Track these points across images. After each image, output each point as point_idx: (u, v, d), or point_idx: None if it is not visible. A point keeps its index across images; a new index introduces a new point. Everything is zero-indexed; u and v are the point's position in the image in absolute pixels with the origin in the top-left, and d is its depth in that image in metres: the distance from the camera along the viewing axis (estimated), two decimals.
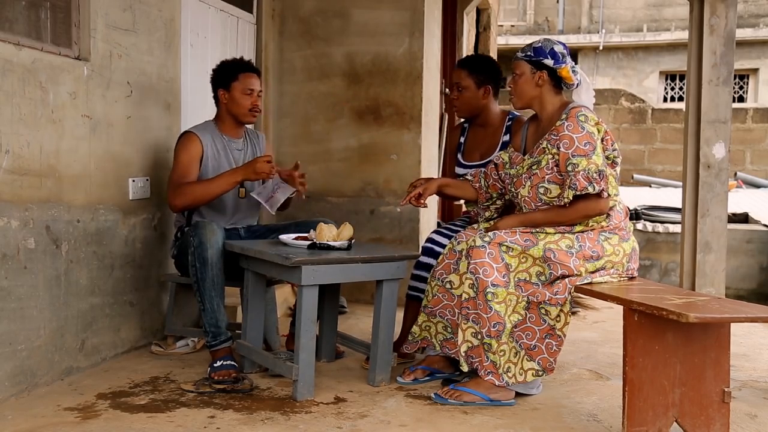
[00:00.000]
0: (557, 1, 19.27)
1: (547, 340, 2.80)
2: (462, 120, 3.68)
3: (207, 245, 3.04)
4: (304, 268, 2.78)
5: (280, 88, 4.95)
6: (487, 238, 2.78)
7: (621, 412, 2.48)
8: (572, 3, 19.15)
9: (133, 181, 3.40)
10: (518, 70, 2.97)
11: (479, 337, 2.78)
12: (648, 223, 7.66)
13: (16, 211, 2.73)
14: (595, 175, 2.76)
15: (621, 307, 2.51)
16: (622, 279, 2.87)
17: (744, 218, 7.98)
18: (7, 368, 2.72)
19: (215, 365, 3.02)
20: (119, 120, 3.29)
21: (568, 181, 2.79)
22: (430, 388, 3.01)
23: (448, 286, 2.98)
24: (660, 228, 7.57)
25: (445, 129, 6.09)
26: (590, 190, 2.76)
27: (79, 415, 2.61)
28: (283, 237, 3.14)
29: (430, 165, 4.99)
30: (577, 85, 3.00)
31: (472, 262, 2.77)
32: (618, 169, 2.95)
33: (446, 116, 6.35)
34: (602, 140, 2.86)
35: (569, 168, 2.78)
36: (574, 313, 4.74)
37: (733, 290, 6.57)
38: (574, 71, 2.97)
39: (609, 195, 2.83)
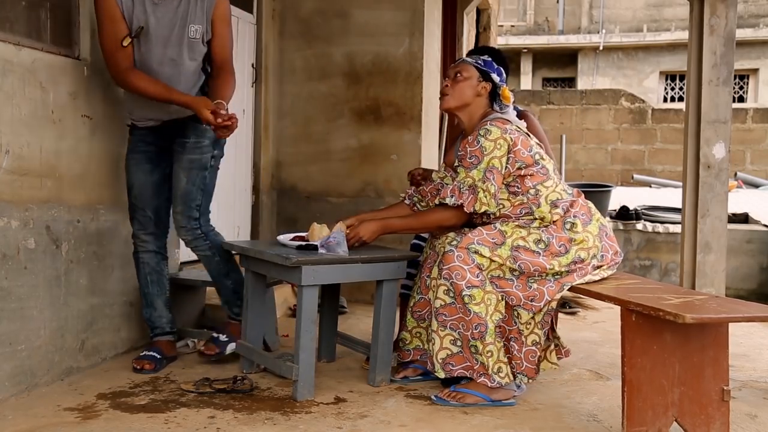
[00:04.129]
0: (557, 1, 19.29)
1: (511, 343, 2.82)
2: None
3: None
4: (304, 268, 2.78)
5: (280, 89, 4.96)
6: (454, 242, 2.79)
7: (621, 412, 2.48)
8: (572, 3, 19.16)
9: None
10: (466, 72, 3.02)
11: (459, 343, 2.80)
12: (648, 223, 7.65)
13: (16, 211, 2.74)
14: (465, 188, 2.86)
15: (619, 308, 2.51)
16: (611, 267, 2.88)
17: (744, 218, 7.97)
18: (7, 368, 2.72)
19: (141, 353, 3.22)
20: (119, 120, 3.29)
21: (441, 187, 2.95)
22: (430, 388, 3.01)
23: (431, 285, 2.98)
24: (660, 228, 7.57)
25: (445, 129, 6.09)
26: (448, 201, 2.89)
27: (79, 415, 2.61)
28: (281, 237, 3.14)
29: (430, 165, 5.00)
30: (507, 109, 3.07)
31: (444, 267, 2.78)
32: (549, 165, 2.96)
33: (446, 116, 6.35)
34: (510, 152, 2.87)
35: (451, 175, 2.97)
36: (573, 314, 4.75)
37: (733, 290, 6.57)
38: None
39: (475, 212, 2.87)
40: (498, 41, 10.64)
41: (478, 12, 8.60)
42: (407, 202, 3.26)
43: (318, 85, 4.89)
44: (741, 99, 17.40)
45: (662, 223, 7.67)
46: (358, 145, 4.83)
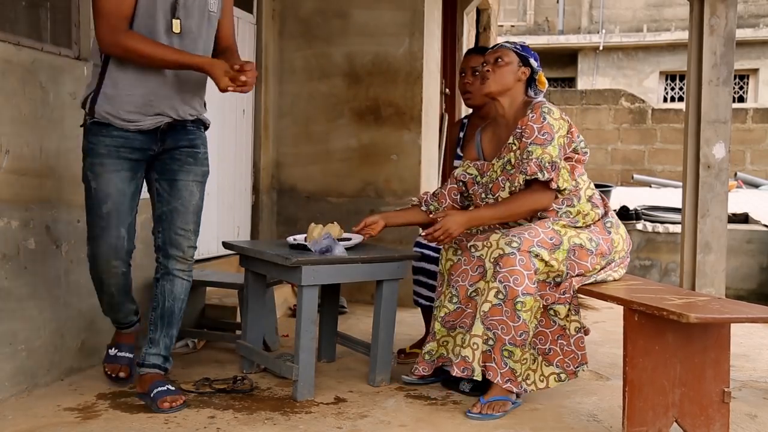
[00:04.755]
0: (557, 1, 19.28)
1: (559, 341, 2.76)
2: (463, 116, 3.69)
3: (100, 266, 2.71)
4: (304, 268, 2.78)
5: (280, 88, 4.95)
6: (515, 245, 2.67)
7: (621, 412, 2.48)
8: (572, 3, 19.15)
9: None
10: (506, 57, 2.94)
11: (491, 343, 2.69)
12: (648, 223, 7.66)
13: (16, 211, 2.73)
14: (546, 164, 2.76)
15: (621, 308, 2.51)
16: (620, 269, 2.87)
17: (744, 218, 7.98)
18: (7, 368, 2.72)
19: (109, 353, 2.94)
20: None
21: (520, 167, 2.80)
22: (430, 388, 3.01)
23: (473, 294, 2.85)
24: (660, 228, 7.57)
25: (445, 128, 6.09)
26: (539, 176, 2.76)
27: (79, 415, 2.61)
28: (290, 238, 3.15)
29: (430, 165, 5.00)
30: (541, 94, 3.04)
31: (502, 270, 2.67)
32: (586, 158, 2.94)
33: (446, 116, 6.35)
34: (568, 132, 2.85)
35: (524, 156, 2.80)
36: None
37: (733, 290, 6.57)
38: None
39: (559, 189, 2.81)
40: (498, 41, 10.63)
41: (478, 12, 8.60)
42: (423, 208, 3.17)
43: (318, 85, 4.89)
44: (741, 99, 17.40)
45: (662, 223, 7.68)
46: (358, 145, 4.82)
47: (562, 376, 2.76)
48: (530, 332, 2.71)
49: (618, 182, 13.40)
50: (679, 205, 6.16)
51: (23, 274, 2.77)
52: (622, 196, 9.32)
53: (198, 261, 4.17)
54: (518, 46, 2.98)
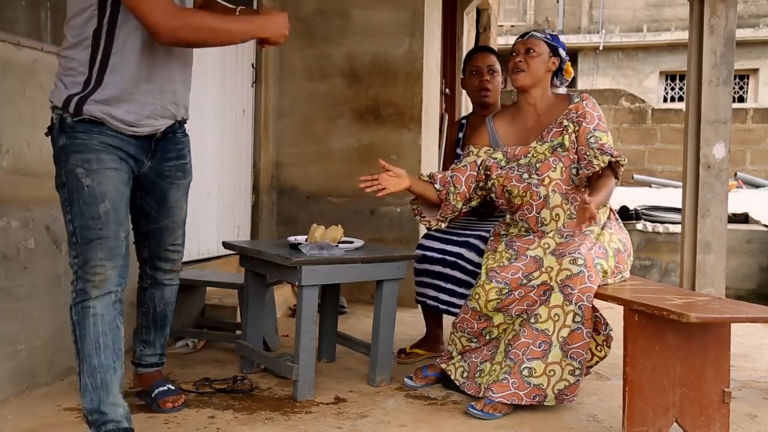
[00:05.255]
0: (557, 1, 19.28)
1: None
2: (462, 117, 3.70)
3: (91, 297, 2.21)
4: (304, 268, 2.78)
5: (280, 88, 4.95)
6: (581, 262, 2.60)
7: (621, 412, 2.48)
8: (572, 3, 19.15)
9: None
10: (537, 48, 2.94)
11: (579, 373, 2.63)
12: (648, 223, 7.65)
13: (16, 211, 2.73)
14: (612, 149, 2.83)
15: (621, 308, 2.51)
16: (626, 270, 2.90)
17: (744, 218, 7.98)
18: (7, 368, 2.72)
19: None
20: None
21: (592, 152, 2.81)
22: (430, 388, 3.01)
23: (533, 320, 2.68)
24: (660, 228, 7.57)
25: (445, 128, 6.09)
26: (621, 160, 2.82)
27: (79, 415, 2.61)
28: (290, 239, 3.15)
29: (430, 165, 5.00)
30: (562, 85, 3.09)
31: (574, 291, 2.60)
32: None
33: (446, 116, 6.35)
34: None
35: (591, 140, 2.83)
36: None
37: (733, 290, 6.57)
38: None
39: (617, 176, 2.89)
40: (498, 41, 10.64)
41: (478, 12, 8.60)
42: (438, 187, 3.08)
43: (318, 85, 4.89)
44: (741, 99, 17.40)
45: (662, 223, 7.67)
46: (358, 145, 4.82)
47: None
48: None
49: (618, 182, 13.40)
50: (679, 205, 6.15)
51: (23, 274, 2.77)
52: (622, 196, 9.30)
53: (198, 261, 4.19)
54: (548, 36, 2.99)
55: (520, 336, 2.69)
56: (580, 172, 2.86)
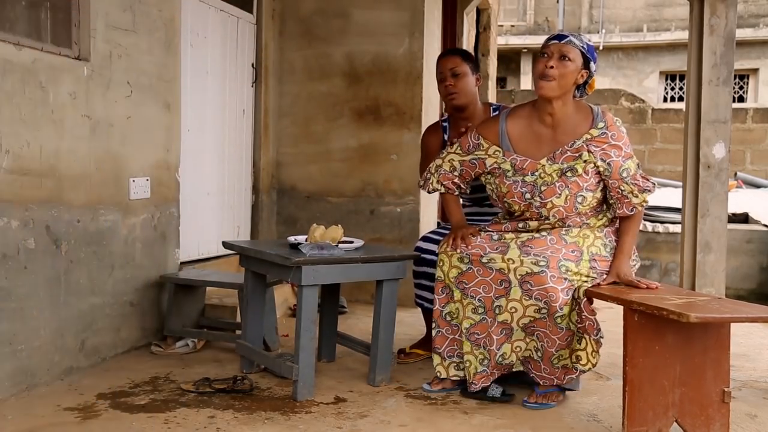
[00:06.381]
0: (557, 1, 19.27)
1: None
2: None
3: None
4: (305, 268, 2.78)
5: (280, 88, 4.95)
6: (542, 263, 2.66)
7: (621, 412, 2.48)
8: (572, 3, 19.14)
9: (133, 181, 3.40)
10: (572, 56, 2.71)
11: (540, 354, 2.77)
12: (648, 223, 7.66)
13: (16, 211, 2.74)
14: (641, 172, 2.79)
15: (621, 307, 2.51)
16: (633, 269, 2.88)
17: (744, 218, 7.98)
18: (7, 368, 2.72)
19: None
20: (119, 120, 3.29)
21: (628, 187, 2.74)
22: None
23: (497, 311, 2.77)
24: (660, 228, 7.57)
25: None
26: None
27: (79, 415, 2.61)
28: (290, 239, 3.15)
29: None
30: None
31: (535, 288, 2.68)
32: None
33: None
34: None
35: (623, 174, 2.73)
36: None
37: (733, 290, 6.57)
38: None
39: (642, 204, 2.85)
40: (498, 41, 10.64)
41: (478, 12, 8.61)
42: (457, 194, 3.07)
43: (318, 85, 4.89)
44: (741, 99, 17.39)
45: (662, 223, 7.68)
46: (358, 145, 4.82)
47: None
48: (573, 332, 2.73)
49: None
50: (679, 205, 6.16)
51: (23, 274, 2.78)
52: None
53: (198, 261, 4.19)
54: (585, 46, 2.76)
55: (487, 327, 2.81)
56: (613, 206, 2.80)
